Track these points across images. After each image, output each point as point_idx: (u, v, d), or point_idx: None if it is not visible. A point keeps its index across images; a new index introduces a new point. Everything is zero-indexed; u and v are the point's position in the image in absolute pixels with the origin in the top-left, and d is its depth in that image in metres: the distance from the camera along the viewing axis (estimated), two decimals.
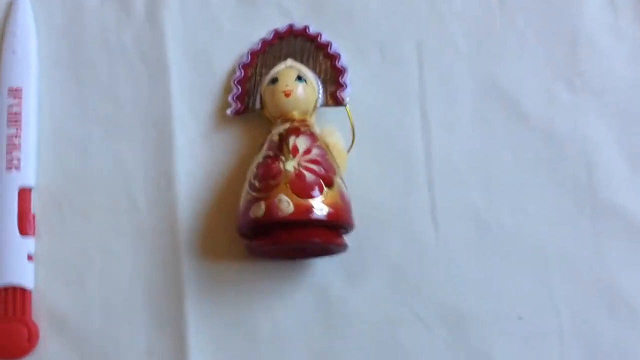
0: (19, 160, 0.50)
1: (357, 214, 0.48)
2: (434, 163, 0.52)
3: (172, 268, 0.50)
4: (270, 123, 0.52)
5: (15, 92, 0.51)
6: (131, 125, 0.53)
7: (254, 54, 0.54)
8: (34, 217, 0.50)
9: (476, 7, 0.56)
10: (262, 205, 0.46)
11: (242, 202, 0.48)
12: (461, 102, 0.53)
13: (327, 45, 0.54)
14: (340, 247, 0.49)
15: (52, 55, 0.53)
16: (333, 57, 0.53)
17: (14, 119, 0.51)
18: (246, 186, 0.49)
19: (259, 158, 0.49)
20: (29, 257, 0.49)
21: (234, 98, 0.53)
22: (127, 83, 0.53)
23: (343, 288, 0.50)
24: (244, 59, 0.54)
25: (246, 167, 0.50)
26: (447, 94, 0.54)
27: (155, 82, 0.53)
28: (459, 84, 0.54)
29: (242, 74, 0.53)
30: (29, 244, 0.50)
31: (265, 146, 0.50)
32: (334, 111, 0.51)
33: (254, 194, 0.47)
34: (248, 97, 0.53)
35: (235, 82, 0.53)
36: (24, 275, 0.49)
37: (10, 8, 0.52)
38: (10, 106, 0.51)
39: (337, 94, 0.52)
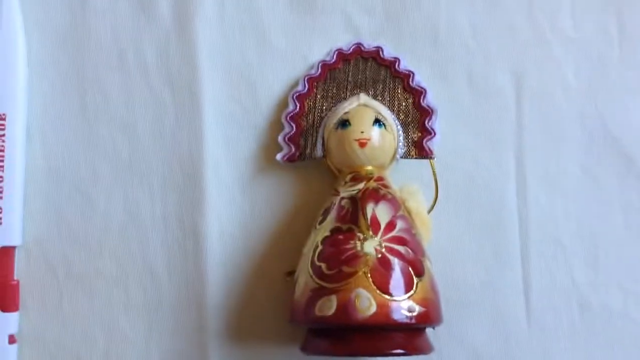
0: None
1: None
2: (530, 229, 0.44)
3: (196, 355, 0.42)
4: (332, 172, 0.42)
5: None
6: (150, 168, 0.43)
7: (312, 80, 0.43)
8: (18, 285, 0.41)
9: (590, 32, 0.46)
10: (334, 300, 0.37)
11: (302, 289, 0.39)
12: (566, 154, 0.45)
13: (408, 75, 0.43)
14: (427, 353, 0.39)
15: (46, 70, 0.43)
16: (417, 93, 0.43)
17: None
18: (307, 267, 0.39)
19: (324, 229, 0.39)
20: (11, 339, 0.41)
21: (287, 139, 0.43)
22: (146, 111, 0.43)
23: None
24: (299, 88, 0.43)
25: (298, 229, 0.42)
26: (550, 143, 0.45)
27: (183, 113, 0.43)
28: (565, 131, 0.45)
29: (298, 108, 0.43)
30: (10, 321, 0.41)
31: (333, 213, 0.39)
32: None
33: (320, 282, 0.37)
34: (305, 139, 0.43)
35: (288, 118, 0.43)
36: None
37: None
38: None
39: (424, 143, 0.42)
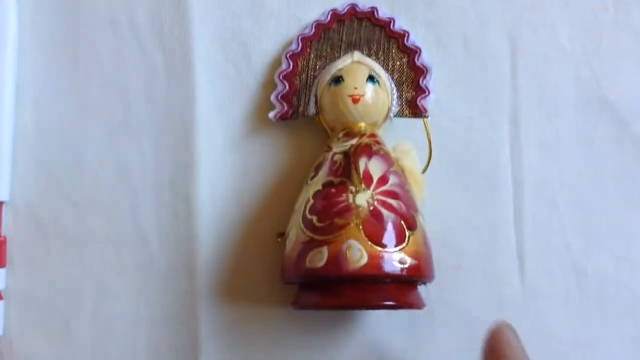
0: None
1: None
2: (524, 193, 0.44)
3: (186, 317, 0.42)
4: (325, 131, 0.42)
5: None
6: (142, 129, 0.43)
7: (305, 40, 0.42)
8: (4, 241, 0.41)
9: None
10: (325, 252, 0.36)
11: (293, 243, 0.38)
12: (560, 117, 0.45)
13: (402, 35, 0.42)
14: (418, 308, 0.39)
15: (37, 30, 0.43)
16: (411, 52, 0.42)
17: None
18: (299, 222, 0.38)
19: (315, 183, 0.39)
20: None
21: (279, 98, 0.42)
22: (138, 72, 0.43)
23: (406, 347, 0.42)
24: (293, 47, 0.43)
25: (290, 189, 0.42)
26: (544, 106, 0.45)
27: (175, 73, 0.43)
28: (559, 93, 0.45)
29: (291, 67, 0.42)
30: None
31: (325, 168, 0.39)
32: (400, 119, 0.42)
33: (311, 234, 0.37)
34: (298, 97, 0.42)
35: (281, 77, 0.43)
36: None
37: None
38: None
39: (418, 102, 0.42)
